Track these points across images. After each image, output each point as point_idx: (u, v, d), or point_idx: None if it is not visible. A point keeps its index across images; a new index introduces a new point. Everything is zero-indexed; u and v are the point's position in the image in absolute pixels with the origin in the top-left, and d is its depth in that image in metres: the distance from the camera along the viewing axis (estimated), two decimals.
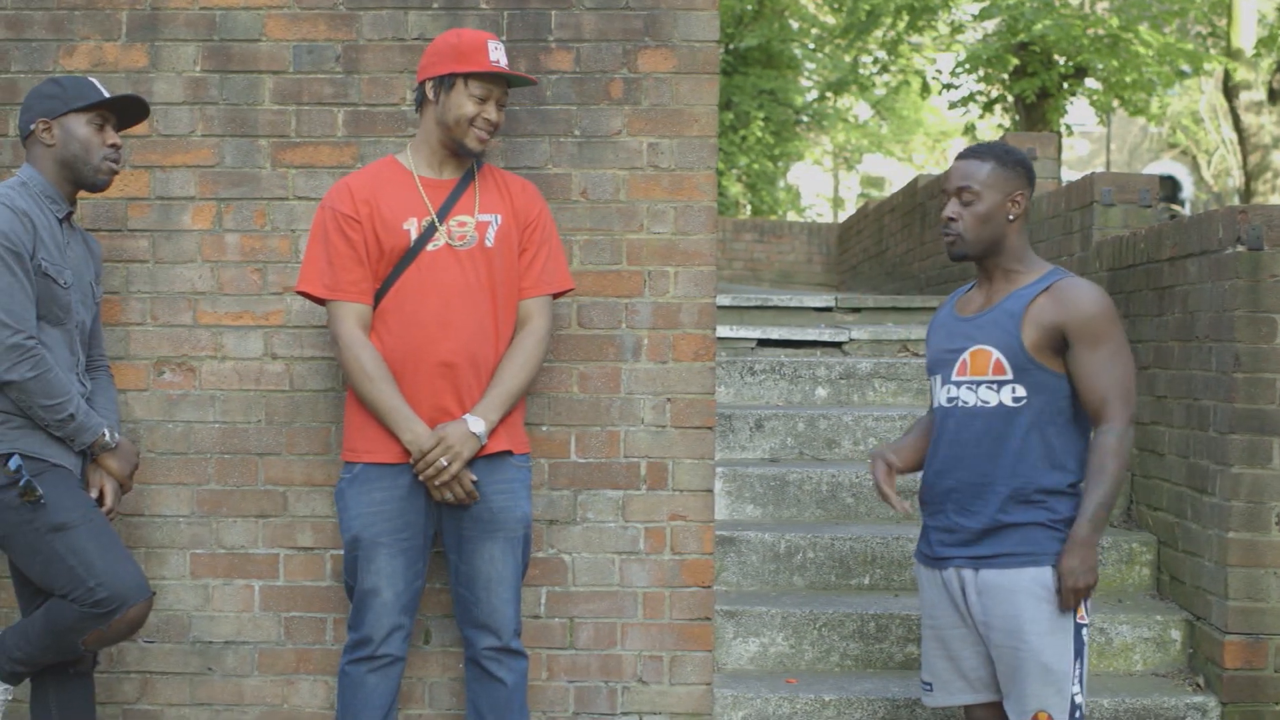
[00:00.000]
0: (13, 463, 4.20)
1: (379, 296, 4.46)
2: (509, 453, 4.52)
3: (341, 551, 4.89)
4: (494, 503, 4.48)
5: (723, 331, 7.83)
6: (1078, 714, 4.01)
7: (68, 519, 4.22)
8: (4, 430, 4.23)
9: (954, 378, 4.15)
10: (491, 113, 4.44)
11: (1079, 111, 22.66)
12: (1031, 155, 8.66)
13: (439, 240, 4.44)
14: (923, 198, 10.90)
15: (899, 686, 5.15)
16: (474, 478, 4.42)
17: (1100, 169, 31.18)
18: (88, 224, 4.89)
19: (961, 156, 4.20)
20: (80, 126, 4.36)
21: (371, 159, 4.93)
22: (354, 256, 4.44)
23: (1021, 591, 4.00)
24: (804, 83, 25.78)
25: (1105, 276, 6.57)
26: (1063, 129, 19.45)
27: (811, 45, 24.02)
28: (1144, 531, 5.96)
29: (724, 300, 8.69)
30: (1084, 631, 4.03)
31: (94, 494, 4.43)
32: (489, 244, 4.48)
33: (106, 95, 4.39)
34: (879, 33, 21.43)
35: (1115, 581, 5.79)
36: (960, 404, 4.14)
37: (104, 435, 4.37)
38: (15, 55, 5.00)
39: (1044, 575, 3.99)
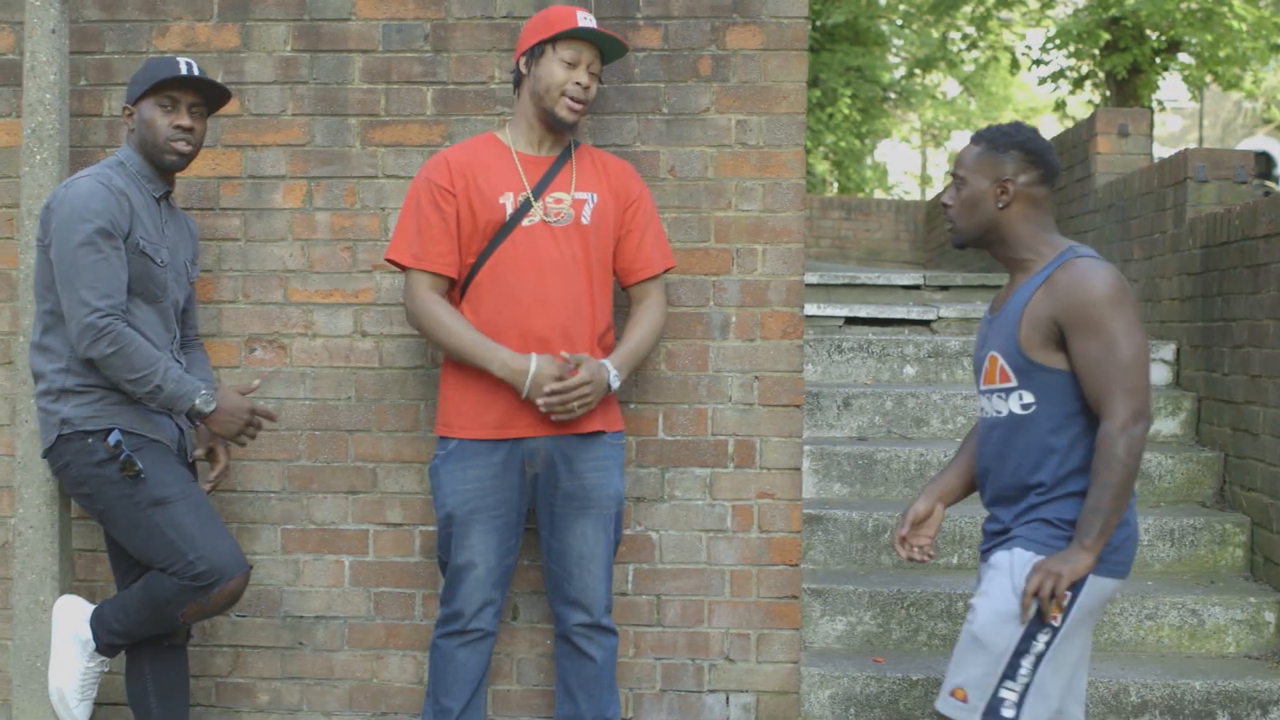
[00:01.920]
0: (112, 438, 4.26)
1: (474, 270, 4.47)
2: (602, 430, 4.54)
3: (430, 528, 4.95)
4: (587, 480, 4.50)
5: (810, 309, 7.82)
6: (1003, 712, 3.67)
7: (167, 493, 4.28)
8: (103, 405, 4.29)
9: (982, 386, 3.92)
10: (582, 77, 4.42)
11: (1171, 87, 22.39)
12: (1123, 131, 8.57)
13: (534, 215, 4.45)
14: None
15: None
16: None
17: (1193, 145, 30.82)
18: (180, 202, 4.94)
19: (969, 140, 3.92)
20: (149, 109, 4.40)
21: (460, 137, 4.96)
22: (444, 228, 4.45)
23: (998, 569, 3.75)
24: (891, 59, 25.61)
25: (1199, 254, 6.49)
26: (1155, 105, 19.22)
27: (899, 21, 23.85)
28: (1237, 512, 5.89)
29: (811, 278, 8.67)
30: (1041, 635, 3.66)
31: (201, 452, 4.53)
32: (585, 221, 4.48)
33: (180, 74, 4.39)
34: (968, 8, 21.25)
35: (1208, 563, 5.73)
36: (984, 414, 3.92)
37: (197, 402, 4.37)
38: (109, 36, 5.06)
39: (1022, 558, 3.71)
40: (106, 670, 4.56)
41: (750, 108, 4.97)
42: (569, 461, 4.47)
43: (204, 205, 5.04)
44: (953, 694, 3.75)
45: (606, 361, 4.44)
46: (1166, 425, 6.53)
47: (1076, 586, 3.65)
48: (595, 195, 4.52)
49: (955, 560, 5.71)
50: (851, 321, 8.11)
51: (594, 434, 4.51)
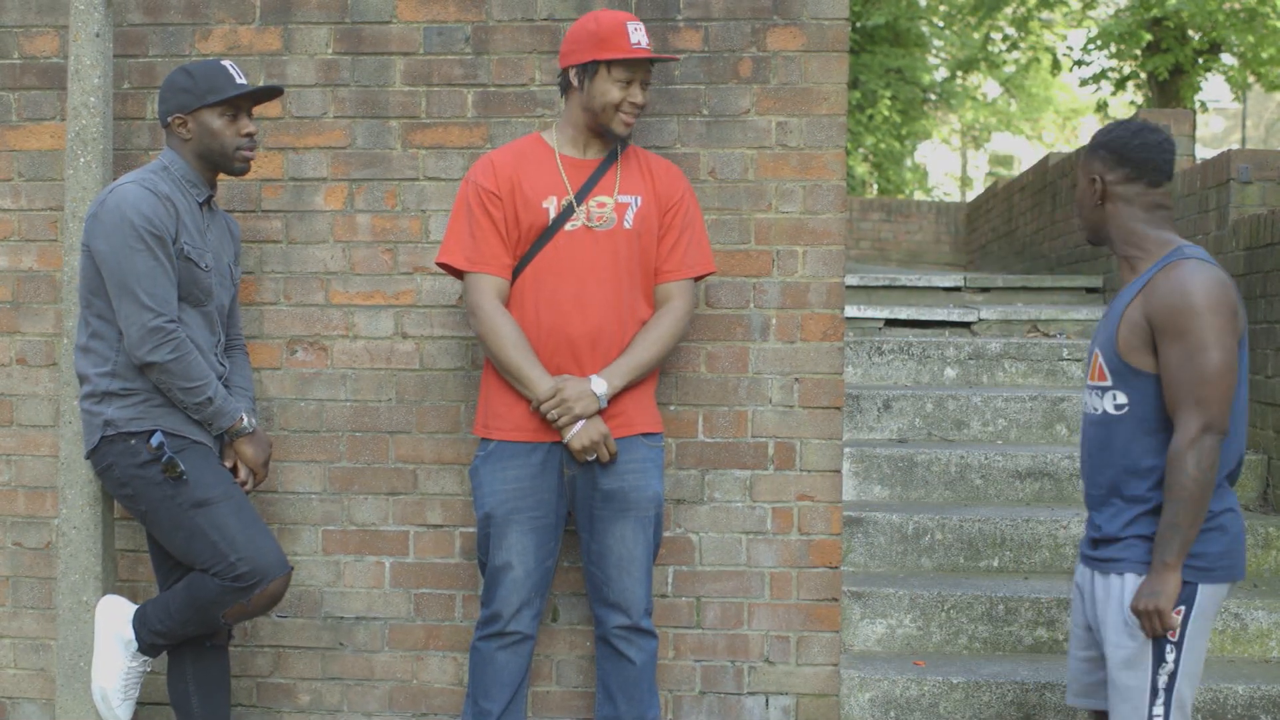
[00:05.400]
0: (155, 439, 4.28)
1: (516, 273, 4.48)
2: (640, 433, 4.54)
3: (470, 529, 4.96)
4: (626, 482, 4.49)
5: (850, 311, 7.81)
6: None
7: (209, 494, 4.30)
8: (146, 408, 4.32)
9: (1088, 382, 3.96)
10: (637, 95, 4.41)
11: (1214, 88, 22.25)
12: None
13: (577, 220, 4.45)
14: (1053, 176, 10.76)
15: (1028, 670, 5.11)
16: (606, 430, 4.42)
17: (1236, 146, 30.63)
18: (223, 205, 4.96)
19: None
20: (214, 119, 4.41)
21: (501, 139, 4.96)
22: (495, 231, 4.46)
23: (1111, 601, 3.82)
24: (932, 61, 25.54)
25: (1242, 255, 6.45)
26: (1197, 106, 19.11)
27: (940, 23, 23.79)
28: None
29: (851, 280, 8.66)
30: (1169, 654, 3.72)
31: (229, 463, 4.51)
32: (627, 225, 4.48)
33: (238, 83, 4.42)
34: (1009, 9, 21.18)
35: (1250, 566, 5.69)
36: (1086, 409, 3.97)
37: (241, 420, 4.44)
38: (152, 39, 5.09)
39: (1132, 584, 3.78)
40: (149, 670, 4.59)
41: (791, 109, 4.96)
42: (607, 463, 4.48)
43: (246, 208, 5.07)
44: None
45: (594, 375, 4.42)
46: None
47: (1189, 600, 3.72)
48: (639, 198, 4.51)
49: (996, 563, 5.69)
50: (891, 323, 8.10)
51: (631, 436, 4.51)
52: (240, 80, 4.43)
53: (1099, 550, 3.89)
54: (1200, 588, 3.72)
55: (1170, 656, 3.73)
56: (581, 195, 4.47)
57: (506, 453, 4.49)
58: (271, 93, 4.56)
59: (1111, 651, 3.80)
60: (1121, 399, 3.80)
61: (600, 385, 4.40)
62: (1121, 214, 3.88)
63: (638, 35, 4.38)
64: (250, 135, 4.46)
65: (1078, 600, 4.04)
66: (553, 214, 4.44)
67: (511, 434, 4.48)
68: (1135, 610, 3.69)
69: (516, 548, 4.49)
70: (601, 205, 4.47)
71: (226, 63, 4.45)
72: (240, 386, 4.62)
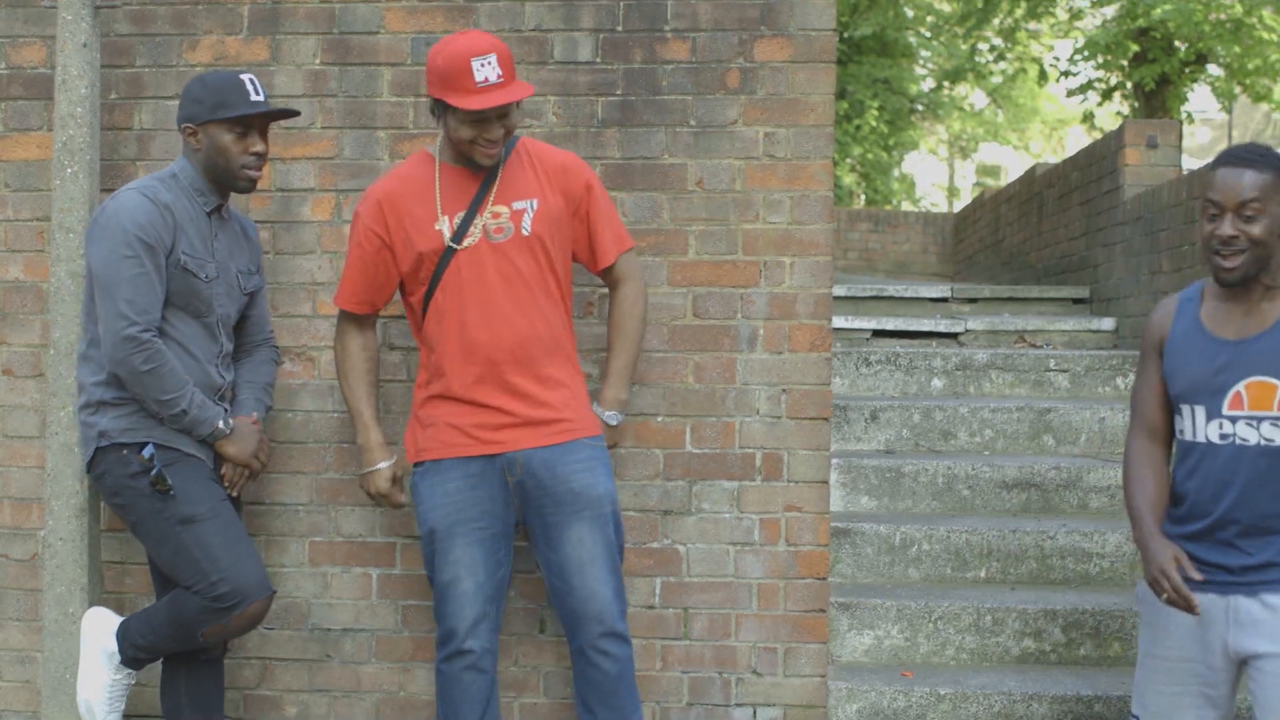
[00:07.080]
0: (146, 451, 4.27)
1: (428, 298, 4.43)
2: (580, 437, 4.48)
3: None
4: (573, 482, 4.38)
5: (838, 322, 7.82)
6: None
7: (195, 512, 4.29)
8: (140, 419, 4.31)
9: (1226, 412, 3.79)
10: (493, 132, 4.28)
11: (1200, 98, 22.33)
12: (1152, 143, 8.54)
13: (474, 235, 4.36)
14: (1040, 186, 10.78)
15: (1015, 680, 5.11)
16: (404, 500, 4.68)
17: None
18: None
19: (1233, 164, 3.75)
20: (222, 135, 4.39)
21: None
22: (360, 266, 4.50)
23: None
24: (919, 71, 25.59)
25: None
26: (1184, 116, 19.17)
27: (927, 33, 23.83)
28: None
29: (839, 291, 8.66)
30: None
31: (224, 474, 4.49)
32: (525, 232, 4.38)
33: (251, 100, 4.39)
34: (996, 20, 21.23)
35: None
36: (1238, 441, 3.79)
37: (218, 425, 4.42)
38: (140, 50, 5.08)
39: None
40: (134, 683, 4.57)
41: (778, 120, 4.97)
42: (551, 467, 4.38)
43: None
44: None
45: (603, 412, 4.57)
46: None
47: None
48: (535, 201, 4.41)
49: (983, 574, 5.69)
50: (879, 334, 8.11)
51: (575, 440, 4.43)
52: (256, 97, 4.41)
53: (1255, 574, 3.79)
54: None
55: None
56: (474, 208, 4.38)
57: (444, 466, 4.43)
58: (285, 115, 4.53)
59: None
60: None
61: (614, 418, 4.61)
62: None
63: (484, 71, 4.21)
64: (258, 154, 4.44)
65: (1189, 633, 3.90)
66: (447, 235, 4.37)
67: (442, 452, 4.44)
68: None
69: (465, 560, 4.41)
70: (497, 215, 4.38)
71: (246, 76, 4.43)
72: (249, 381, 4.62)
